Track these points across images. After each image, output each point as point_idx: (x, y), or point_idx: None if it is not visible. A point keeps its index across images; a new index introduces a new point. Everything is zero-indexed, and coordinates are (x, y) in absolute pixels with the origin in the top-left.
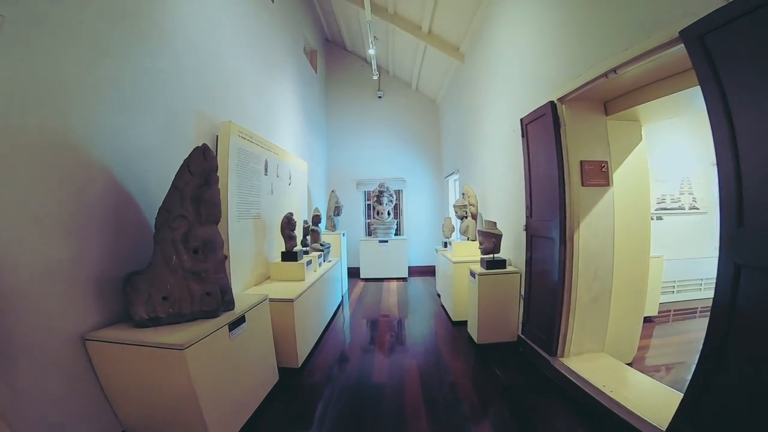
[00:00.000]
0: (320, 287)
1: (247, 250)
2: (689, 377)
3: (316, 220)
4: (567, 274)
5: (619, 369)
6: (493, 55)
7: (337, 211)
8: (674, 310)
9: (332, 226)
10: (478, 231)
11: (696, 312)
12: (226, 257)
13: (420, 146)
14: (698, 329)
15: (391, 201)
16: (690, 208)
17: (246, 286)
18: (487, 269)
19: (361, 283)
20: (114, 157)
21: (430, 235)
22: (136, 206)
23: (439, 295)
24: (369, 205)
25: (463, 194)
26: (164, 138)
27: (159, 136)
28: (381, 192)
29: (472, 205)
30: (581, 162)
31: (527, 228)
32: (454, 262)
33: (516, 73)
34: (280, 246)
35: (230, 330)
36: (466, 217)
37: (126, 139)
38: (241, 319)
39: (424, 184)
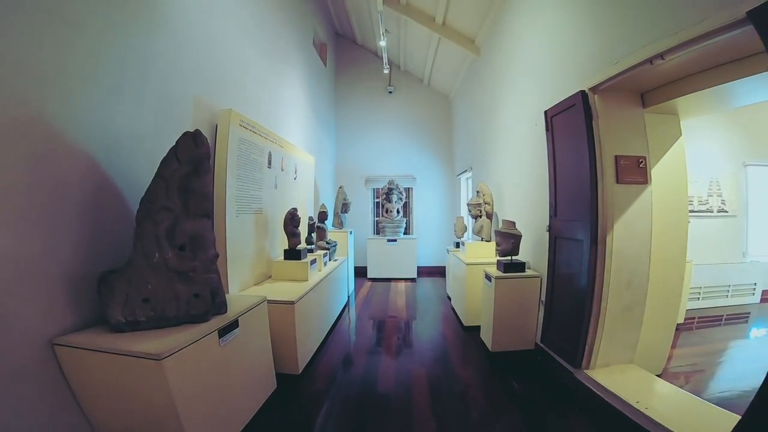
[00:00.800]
0: (325, 288)
1: (247, 248)
2: (714, 388)
3: (323, 216)
4: (597, 280)
5: (652, 382)
6: (512, 45)
7: (344, 207)
8: (699, 318)
9: (339, 224)
10: (496, 231)
11: (722, 319)
12: (217, 255)
13: (431, 143)
14: (725, 338)
15: (401, 199)
16: (718, 211)
17: (245, 286)
18: (504, 272)
19: (369, 284)
20: (98, 141)
21: (440, 235)
22: (122, 197)
23: (449, 298)
24: (378, 202)
25: (478, 192)
26: (157, 124)
27: (151, 122)
28: (390, 189)
29: (487, 203)
30: (616, 157)
31: (550, 228)
32: (468, 264)
33: (539, 62)
34: (284, 243)
35: (220, 336)
36: (481, 217)
37: (113, 124)
38: (233, 324)
39: (434, 182)
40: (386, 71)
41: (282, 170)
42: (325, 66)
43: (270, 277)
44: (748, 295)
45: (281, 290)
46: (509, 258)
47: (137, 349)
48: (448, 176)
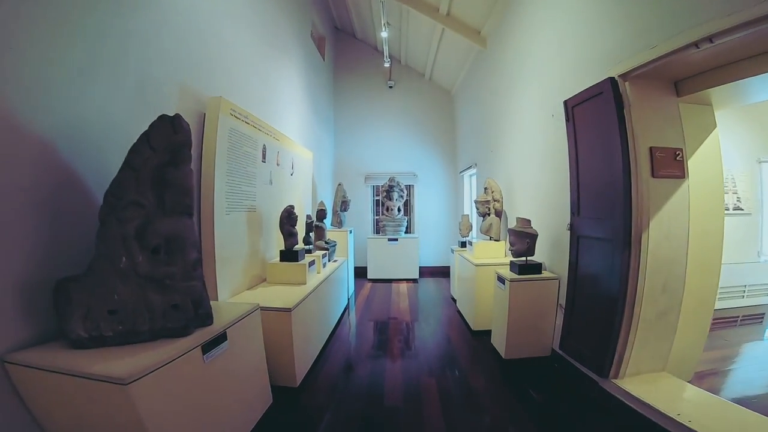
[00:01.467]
0: (324, 291)
1: (239, 249)
2: (745, 391)
3: (321, 215)
4: (630, 283)
5: (690, 392)
6: (524, 34)
7: (344, 206)
8: (714, 319)
9: (338, 222)
10: (509, 230)
11: (737, 320)
12: (199, 259)
13: (433, 139)
14: (744, 340)
15: (402, 197)
16: (734, 209)
17: (236, 290)
18: (519, 274)
19: (369, 285)
20: (59, 129)
21: (442, 234)
22: (89, 193)
23: (454, 300)
24: (378, 200)
25: (486, 188)
26: (133, 111)
27: (126, 109)
28: (391, 187)
29: (497, 200)
30: (651, 149)
31: (572, 227)
32: (477, 265)
33: (555, 51)
34: (280, 243)
35: (205, 352)
36: (489, 215)
37: (79, 110)
38: (220, 338)
39: (437, 179)
40: (387, 65)
41: (277, 165)
42: (324, 60)
43: (265, 280)
44: (764, 295)
45: (277, 295)
46: (524, 259)
47: (99, 371)
48: (451, 173)
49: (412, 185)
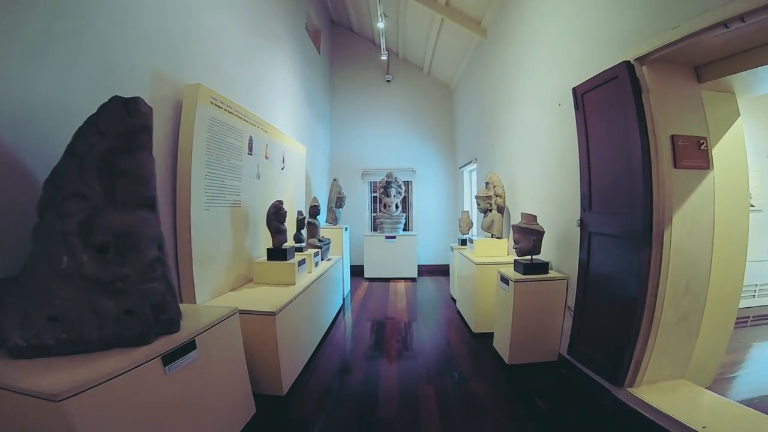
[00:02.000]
0: (316, 291)
1: (221, 247)
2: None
3: (315, 211)
4: (651, 284)
5: (715, 402)
6: (527, 21)
7: (339, 202)
8: None
9: (333, 219)
10: (514, 227)
11: (748, 320)
12: (159, 258)
13: (431, 134)
14: (759, 341)
15: (400, 193)
16: None
17: (218, 292)
18: (524, 274)
19: (365, 284)
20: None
21: (441, 231)
22: (33, 183)
23: (454, 300)
24: (375, 197)
25: (487, 183)
26: (97, 98)
27: (87, 94)
28: (388, 182)
29: (499, 196)
30: (672, 137)
31: (582, 223)
32: (478, 264)
33: (562, 36)
34: (268, 242)
35: (166, 363)
36: (491, 211)
37: (24, 95)
38: (188, 346)
39: (435, 174)
40: (384, 58)
41: (266, 158)
42: (319, 53)
43: (251, 280)
44: None
45: (262, 297)
46: (529, 257)
47: (29, 386)
48: (450, 169)
49: (411, 181)
